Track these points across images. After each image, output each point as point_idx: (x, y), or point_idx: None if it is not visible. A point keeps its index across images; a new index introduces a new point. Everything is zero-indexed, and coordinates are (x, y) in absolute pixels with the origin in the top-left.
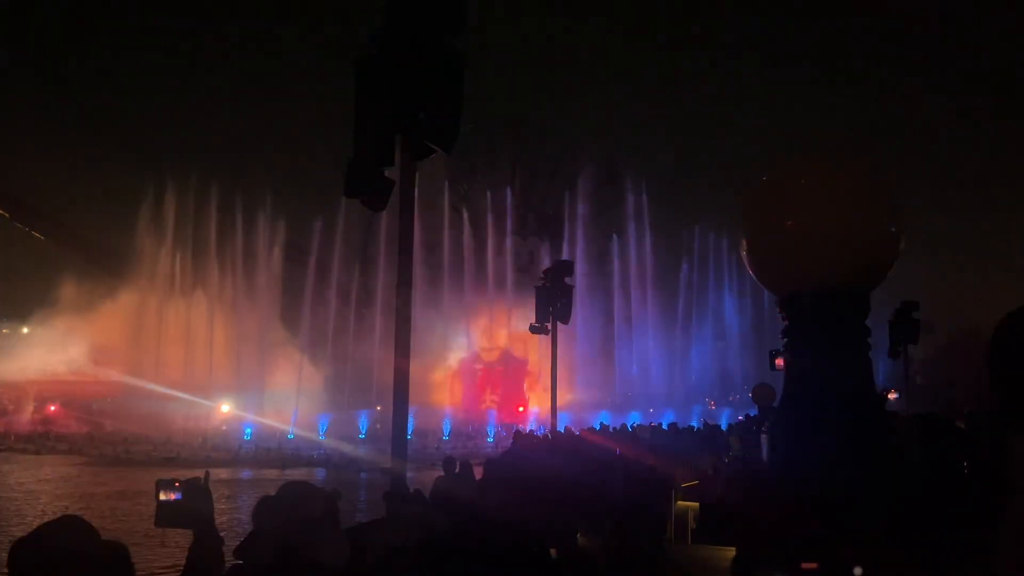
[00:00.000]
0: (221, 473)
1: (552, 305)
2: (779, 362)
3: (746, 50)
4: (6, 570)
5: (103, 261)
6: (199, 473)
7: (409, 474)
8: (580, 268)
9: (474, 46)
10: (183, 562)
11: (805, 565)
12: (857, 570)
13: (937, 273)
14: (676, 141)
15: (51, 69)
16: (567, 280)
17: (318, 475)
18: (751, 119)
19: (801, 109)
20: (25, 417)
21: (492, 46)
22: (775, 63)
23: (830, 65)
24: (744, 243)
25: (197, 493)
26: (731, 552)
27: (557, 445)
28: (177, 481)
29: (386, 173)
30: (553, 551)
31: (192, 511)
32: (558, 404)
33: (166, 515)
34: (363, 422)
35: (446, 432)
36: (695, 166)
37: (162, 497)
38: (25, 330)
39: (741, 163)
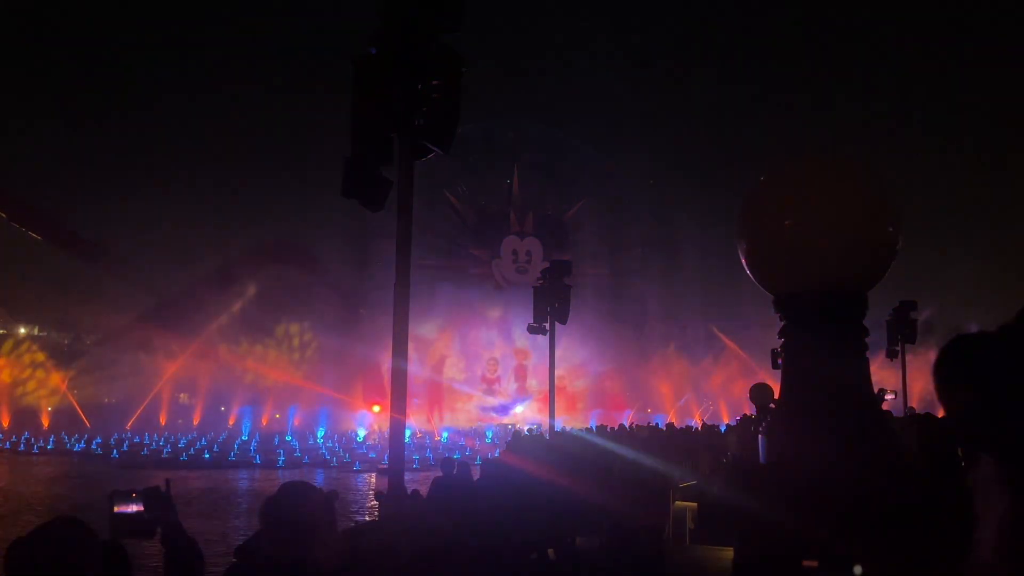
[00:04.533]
0: None
1: (550, 305)
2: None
3: (746, 49)
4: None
5: (102, 262)
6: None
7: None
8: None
9: (472, 44)
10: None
11: (806, 562)
12: (857, 569)
13: (935, 272)
14: (675, 140)
15: (49, 67)
16: (565, 280)
17: (316, 476)
18: (750, 118)
19: (800, 109)
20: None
21: (491, 44)
22: (775, 62)
23: (830, 64)
24: (741, 243)
25: (159, 502)
26: (729, 552)
27: (555, 446)
28: (134, 492)
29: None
30: (551, 552)
31: (154, 521)
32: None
33: (122, 527)
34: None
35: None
36: (694, 166)
37: (117, 509)
38: (22, 331)
39: (739, 162)
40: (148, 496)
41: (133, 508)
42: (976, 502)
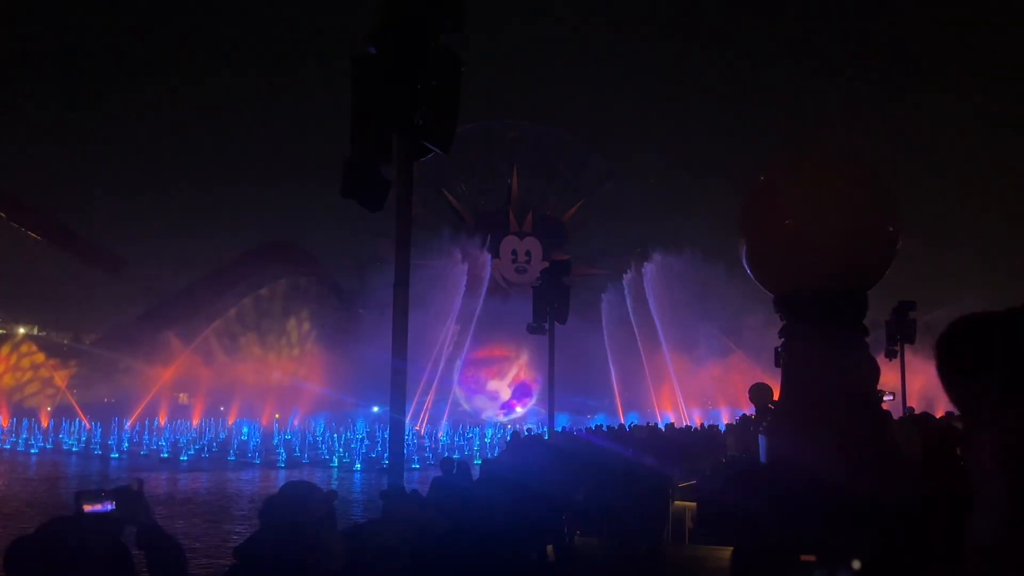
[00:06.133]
0: None
1: (550, 305)
2: None
3: (746, 49)
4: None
5: (101, 261)
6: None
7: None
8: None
9: (472, 44)
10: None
11: (804, 558)
12: (855, 563)
13: (935, 272)
14: (674, 140)
15: (50, 68)
16: (564, 280)
17: (316, 476)
18: (750, 118)
19: (801, 108)
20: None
21: (491, 45)
22: (775, 62)
23: (832, 64)
24: (741, 242)
25: (131, 501)
26: (728, 552)
27: (554, 446)
28: (103, 491)
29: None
30: (550, 550)
31: (123, 520)
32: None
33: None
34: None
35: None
36: (692, 164)
37: (87, 509)
38: (22, 331)
39: (740, 161)
40: (119, 495)
41: (103, 507)
42: (974, 488)
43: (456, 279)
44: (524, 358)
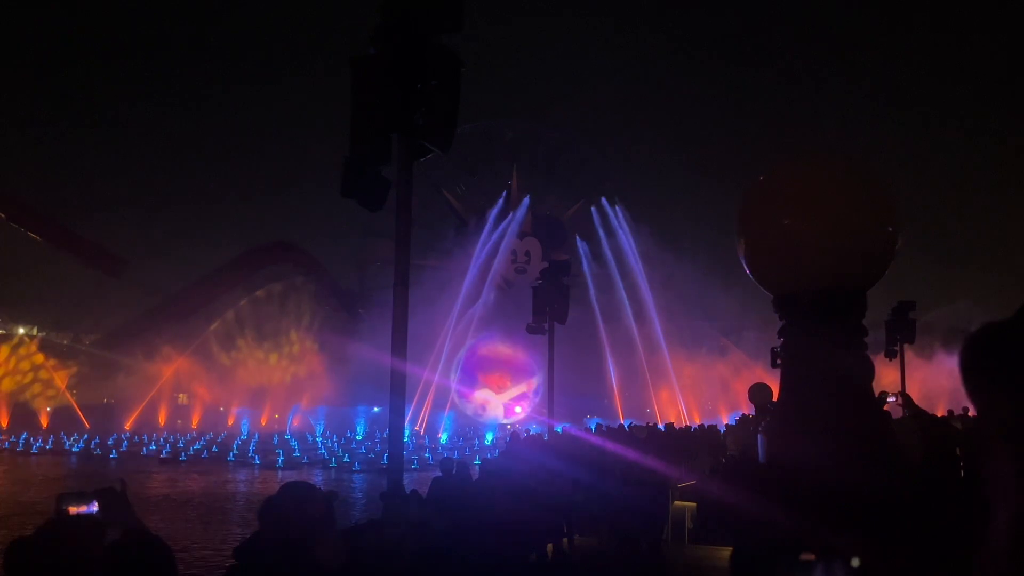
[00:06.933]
0: None
1: (549, 305)
2: None
3: (746, 49)
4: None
5: (101, 262)
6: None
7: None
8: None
9: (472, 44)
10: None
11: (804, 557)
12: (854, 561)
13: (935, 272)
14: (674, 140)
15: (50, 68)
16: (564, 280)
17: (315, 476)
18: (749, 119)
19: (800, 109)
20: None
21: (491, 45)
22: (773, 62)
23: (829, 64)
24: (740, 242)
25: (114, 502)
26: (727, 552)
27: (554, 447)
28: (86, 492)
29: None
30: (550, 550)
31: (107, 522)
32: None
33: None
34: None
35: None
36: (691, 165)
37: (73, 511)
38: (21, 331)
39: (738, 163)
40: (103, 497)
41: (86, 509)
42: (992, 494)
43: (473, 241)
44: (534, 383)
